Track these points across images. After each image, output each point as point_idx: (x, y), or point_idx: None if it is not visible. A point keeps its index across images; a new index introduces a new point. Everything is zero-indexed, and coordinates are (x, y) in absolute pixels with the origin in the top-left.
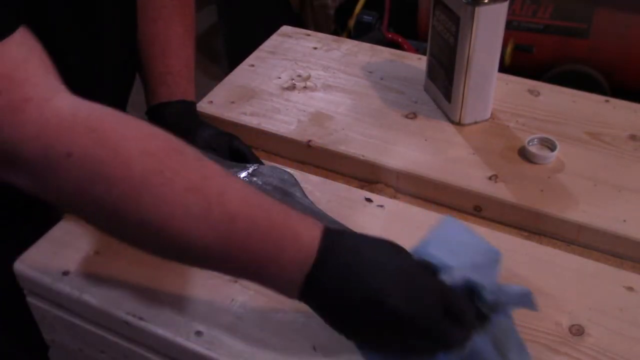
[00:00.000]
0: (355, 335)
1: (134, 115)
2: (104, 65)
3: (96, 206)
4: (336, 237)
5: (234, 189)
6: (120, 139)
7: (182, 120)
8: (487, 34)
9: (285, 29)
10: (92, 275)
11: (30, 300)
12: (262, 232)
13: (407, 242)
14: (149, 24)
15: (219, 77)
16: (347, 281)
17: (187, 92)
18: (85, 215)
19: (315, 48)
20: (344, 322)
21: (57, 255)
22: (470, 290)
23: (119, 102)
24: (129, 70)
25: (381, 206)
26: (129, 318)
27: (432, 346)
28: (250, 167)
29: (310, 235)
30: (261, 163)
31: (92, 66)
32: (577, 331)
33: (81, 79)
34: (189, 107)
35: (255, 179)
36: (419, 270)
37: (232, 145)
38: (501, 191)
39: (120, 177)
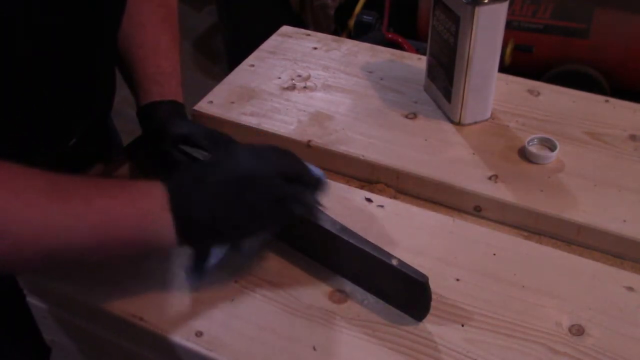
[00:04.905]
0: (221, 220)
1: (130, 112)
2: (96, 62)
3: None
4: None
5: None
6: None
7: (172, 119)
8: (487, 34)
9: (285, 29)
10: (91, 275)
11: (30, 300)
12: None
13: (407, 242)
14: (137, 29)
15: (219, 77)
16: (203, 176)
17: (178, 94)
18: None
19: (315, 48)
20: (210, 208)
21: None
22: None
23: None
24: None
25: (381, 206)
26: (129, 318)
27: (275, 207)
28: None
29: (152, 182)
30: None
31: (86, 63)
32: (577, 331)
33: (73, 76)
34: (180, 108)
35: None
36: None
37: (228, 146)
38: (501, 191)
39: None
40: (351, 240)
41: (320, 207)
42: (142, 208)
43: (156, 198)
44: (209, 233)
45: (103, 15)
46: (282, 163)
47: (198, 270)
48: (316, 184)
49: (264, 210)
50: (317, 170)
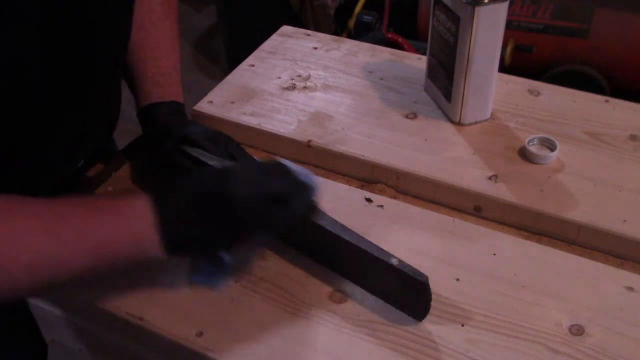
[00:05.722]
0: (203, 234)
1: (129, 112)
2: (96, 67)
3: None
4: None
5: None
6: None
7: (173, 119)
8: (487, 34)
9: (285, 29)
10: None
11: (30, 300)
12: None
13: (407, 242)
14: (138, 29)
15: (219, 77)
16: (190, 193)
17: (178, 95)
18: None
19: (315, 48)
20: (196, 226)
21: None
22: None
23: (111, 108)
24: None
25: (381, 206)
26: (129, 318)
27: (261, 228)
28: None
29: (137, 198)
30: None
31: (85, 67)
32: (577, 331)
33: (74, 80)
34: (180, 108)
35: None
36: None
37: (228, 147)
38: (501, 191)
39: None
40: (351, 240)
41: (314, 214)
42: (133, 230)
43: (144, 217)
44: (192, 250)
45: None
46: (270, 184)
47: (198, 272)
48: (304, 193)
49: (247, 233)
50: (304, 172)
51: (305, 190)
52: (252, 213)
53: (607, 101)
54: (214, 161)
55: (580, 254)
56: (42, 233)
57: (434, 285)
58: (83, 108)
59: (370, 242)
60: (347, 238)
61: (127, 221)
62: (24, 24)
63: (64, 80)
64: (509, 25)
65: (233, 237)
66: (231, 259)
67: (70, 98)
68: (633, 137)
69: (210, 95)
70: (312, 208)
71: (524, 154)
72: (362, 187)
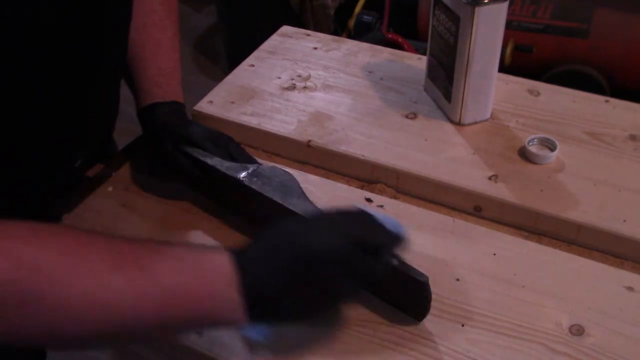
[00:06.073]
0: (292, 302)
1: (129, 112)
2: (98, 69)
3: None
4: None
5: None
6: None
7: (173, 119)
8: (487, 34)
9: (285, 29)
10: None
11: None
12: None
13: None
14: (138, 29)
15: (219, 77)
16: (272, 249)
17: (179, 95)
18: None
19: (315, 48)
20: (281, 294)
21: None
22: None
23: (110, 106)
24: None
25: (381, 206)
26: None
27: (350, 277)
28: (250, 167)
29: (220, 255)
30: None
31: (87, 68)
32: (577, 331)
33: (74, 83)
34: (180, 108)
35: (255, 179)
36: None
37: (229, 147)
38: (501, 191)
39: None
40: None
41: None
42: (210, 288)
43: (224, 274)
44: (278, 314)
45: (104, 43)
46: (359, 232)
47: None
48: (395, 243)
49: (337, 290)
50: (392, 222)
51: (396, 240)
52: (346, 267)
53: (607, 101)
54: (214, 161)
55: (580, 254)
56: (110, 274)
57: (434, 285)
58: (82, 108)
59: None
60: None
61: (206, 274)
62: (24, 24)
63: (64, 80)
64: (509, 25)
65: (321, 300)
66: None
67: (70, 97)
68: (633, 137)
69: (210, 95)
70: (402, 243)
71: (524, 154)
72: (362, 187)
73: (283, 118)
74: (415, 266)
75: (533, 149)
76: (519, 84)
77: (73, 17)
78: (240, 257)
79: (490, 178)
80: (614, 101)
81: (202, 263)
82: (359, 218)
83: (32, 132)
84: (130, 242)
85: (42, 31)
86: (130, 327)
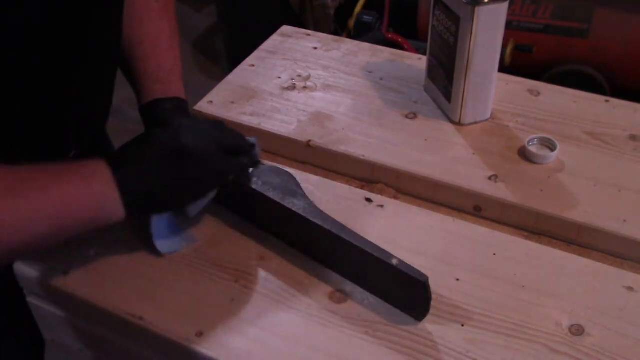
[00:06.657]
0: (165, 192)
1: (129, 112)
2: (88, 68)
3: None
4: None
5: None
6: None
7: (175, 116)
8: (487, 34)
9: (285, 29)
10: (92, 275)
11: (30, 300)
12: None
13: (407, 242)
14: (135, 26)
15: (219, 77)
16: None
17: (180, 91)
18: None
19: (315, 48)
20: (156, 182)
21: (57, 255)
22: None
23: (104, 104)
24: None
25: (381, 206)
26: (129, 318)
27: (214, 171)
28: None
29: (95, 160)
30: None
31: (76, 68)
32: (577, 331)
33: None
34: (183, 105)
35: (255, 178)
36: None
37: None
38: (501, 191)
39: None
40: (351, 240)
41: (254, 170)
42: (93, 190)
43: (104, 178)
44: (153, 205)
45: (94, 31)
46: (220, 136)
47: (160, 236)
48: (251, 151)
49: (203, 182)
50: (251, 139)
51: (250, 146)
52: (207, 162)
53: (607, 101)
54: None
55: (580, 254)
56: (4, 196)
57: (434, 285)
58: (73, 95)
59: (370, 242)
60: (347, 238)
61: (87, 182)
62: (7, 9)
63: (54, 67)
64: (509, 25)
65: (191, 188)
66: (193, 211)
67: (58, 83)
68: (633, 137)
69: (210, 95)
70: (257, 164)
71: (524, 154)
72: (362, 187)
73: (283, 118)
74: (415, 266)
75: (533, 149)
76: (519, 84)
77: (63, 4)
78: (114, 160)
79: (490, 178)
80: (614, 101)
81: (83, 172)
82: (221, 127)
83: (20, 122)
84: (24, 166)
85: (27, 14)
86: (23, 243)
